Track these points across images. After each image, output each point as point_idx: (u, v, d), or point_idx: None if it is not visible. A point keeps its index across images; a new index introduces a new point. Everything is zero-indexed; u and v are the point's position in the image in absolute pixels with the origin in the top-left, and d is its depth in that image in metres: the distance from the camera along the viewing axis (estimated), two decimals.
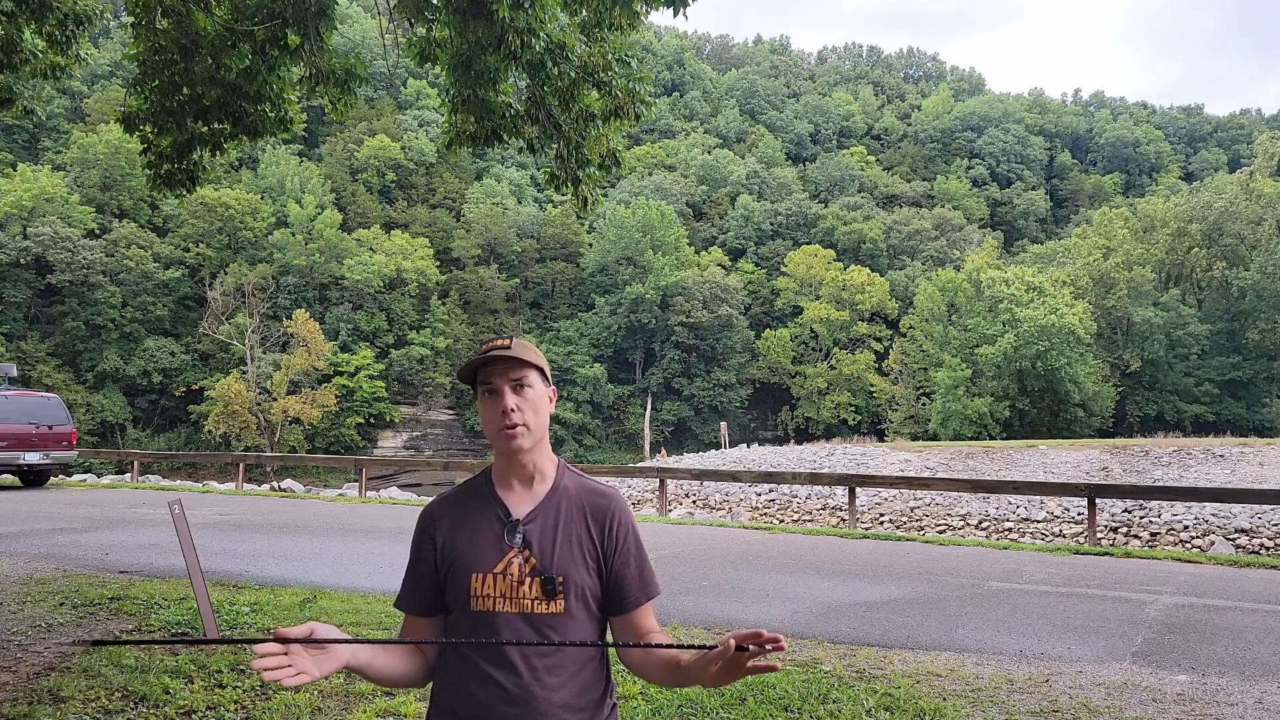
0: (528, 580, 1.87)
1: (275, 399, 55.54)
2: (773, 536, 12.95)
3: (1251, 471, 25.81)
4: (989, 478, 26.52)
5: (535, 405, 1.93)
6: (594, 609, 1.94)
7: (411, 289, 66.48)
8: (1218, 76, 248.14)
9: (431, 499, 2.09)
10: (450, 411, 68.83)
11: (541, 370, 1.97)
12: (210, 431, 54.53)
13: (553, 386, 2.03)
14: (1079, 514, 22.36)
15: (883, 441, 47.35)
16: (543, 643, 1.84)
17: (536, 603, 1.86)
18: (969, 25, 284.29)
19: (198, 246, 62.99)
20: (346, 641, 1.70)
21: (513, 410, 1.90)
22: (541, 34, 6.81)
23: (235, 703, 4.88)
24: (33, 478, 19.19)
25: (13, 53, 7.50)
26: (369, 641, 1.77)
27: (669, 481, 21.57)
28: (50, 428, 18.86)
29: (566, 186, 7.81)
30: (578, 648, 1.88)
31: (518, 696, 1.81)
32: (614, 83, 7.29)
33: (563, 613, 1.87)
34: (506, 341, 1.94)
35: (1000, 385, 55.11)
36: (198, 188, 8.57)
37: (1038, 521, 23.22)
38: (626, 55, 7.43)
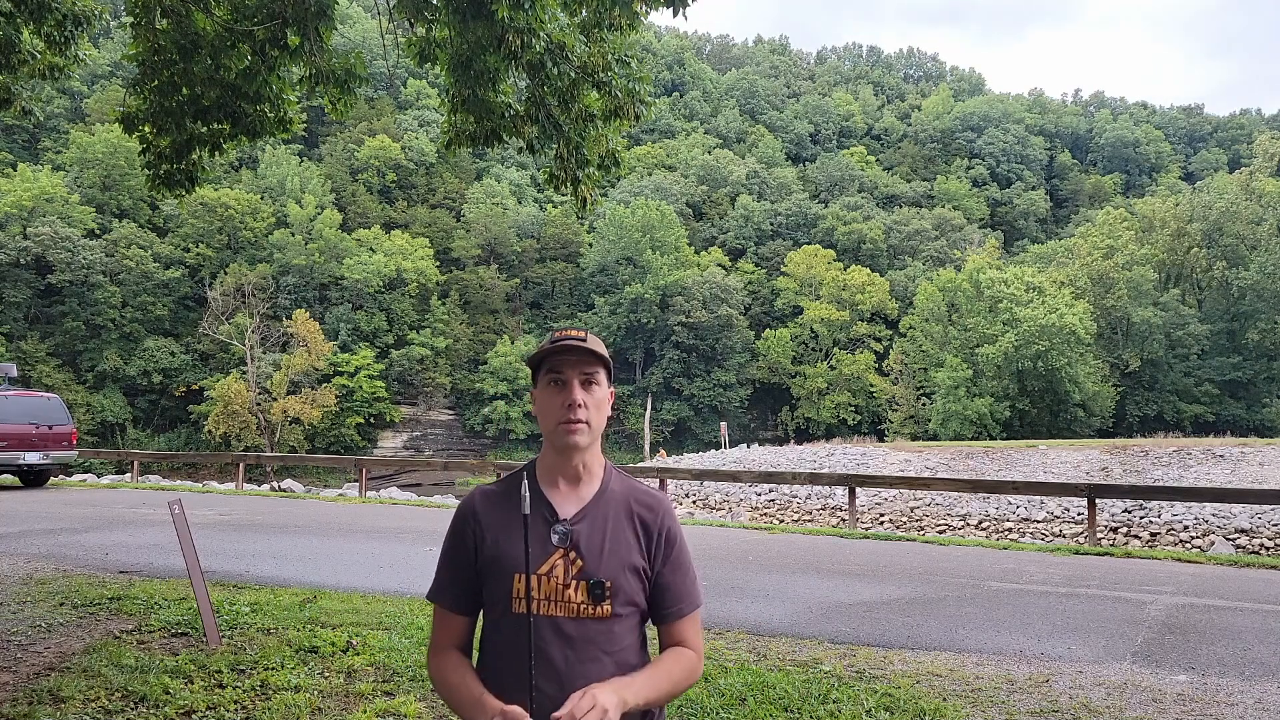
0: (574, 584, 1.81)
1: (275, 399, 55.54)
2: (773, 536, 12.94)
3: (1251, 471, 25.80)
4: (989, 478, 26.50)
5: (599, 404, 1.90)
6: (640, 615, 1.90)
7: (411, 289, 66.46)
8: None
9: (472, 490, 2.03)
10: (450, 411, 68.82)
11: (608, 369, 1.93)
12: (210, 431, 54.55)
13: (612, 387, 1.98)
14: (1079, 514, 22.37)
15: (883, 441, 47.35)
16: (586, 647, 1.81)
17: (583, 607, 1.81)
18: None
19: (198, 246, 62.99)
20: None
21: (579, 405, 1.86)
22: (541, 34, 6.81)
23: (235, 703, 4.87)
24: (33, 478, 19.20)
25: (11, 53, 7.49)
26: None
27: (669, 481, 21.59)
28: (50, 428, 18.86)
29: (566, 186, 7.80)
30: (621, 651, 1.83)
31: (561, 701, 1.75)
32: (614, 83, 7.28)
33: (609, 617, 1.82)
34: (581, 333, 1.89)
35: (1000, 385, 55.09)
36: (197, 188, 8.56)
37: (1038, 521, 23.22)
38: (626, 55, 7.41)
